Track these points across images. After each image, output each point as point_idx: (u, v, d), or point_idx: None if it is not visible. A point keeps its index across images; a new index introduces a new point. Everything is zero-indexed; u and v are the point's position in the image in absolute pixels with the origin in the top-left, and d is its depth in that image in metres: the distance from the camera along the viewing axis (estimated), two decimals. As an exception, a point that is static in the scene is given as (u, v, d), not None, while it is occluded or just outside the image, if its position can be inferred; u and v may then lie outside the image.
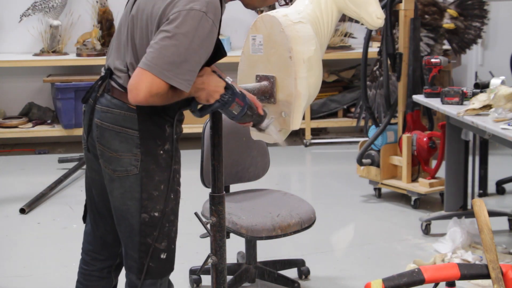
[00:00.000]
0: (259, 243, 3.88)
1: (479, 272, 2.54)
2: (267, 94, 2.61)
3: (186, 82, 2.37)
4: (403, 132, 5.23)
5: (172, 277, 4.09)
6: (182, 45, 2.35)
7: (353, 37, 7.15)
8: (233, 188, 3.91)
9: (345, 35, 7.12)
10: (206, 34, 2.37)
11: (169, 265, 2.64)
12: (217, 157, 2.59)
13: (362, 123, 5.72)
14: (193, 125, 6.87)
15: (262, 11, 6.70)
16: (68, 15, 6.96)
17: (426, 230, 4.60)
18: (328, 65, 7.06)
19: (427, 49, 5.39)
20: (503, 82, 4.17)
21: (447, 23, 5.47)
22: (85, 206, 2.81)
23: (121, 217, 2.59)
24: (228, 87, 2.48)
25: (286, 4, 2.68)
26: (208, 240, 2.63)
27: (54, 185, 5.59)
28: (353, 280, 3.98)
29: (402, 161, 5.18)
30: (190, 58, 2.36)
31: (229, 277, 3.62)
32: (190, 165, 6.29)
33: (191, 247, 4.45)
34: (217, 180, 2.60)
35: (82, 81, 6.54)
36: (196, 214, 2.61)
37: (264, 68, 2.63)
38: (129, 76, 2.46)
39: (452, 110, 4.22)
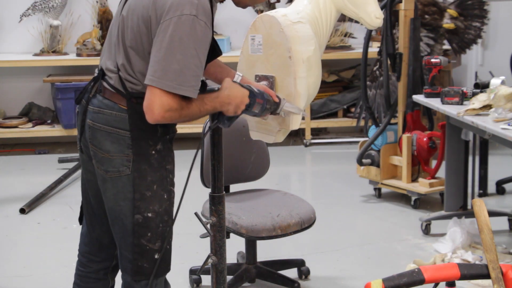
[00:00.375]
0: (259, 243, 3.88)
1: (479, 272, 2.54)
2: (267, 94, 2.61)
3: (192, 88, 2.37)
4: (403, 132, 5.23)
5: (172, 277, 4.09)
6: (179, 52, 2.35)
7: (353, 37, 7.15)
8: (233, 188, 3.91)
9: (345, 35, 7.12)
10: (201, 37, 2.37)
11: (164, 265, 2.63)
12: (217, 157, 2.58)
13: (362, 123, 5.72)
14: (193, 125, 6.88)
15: (261, 11, 6.70)
16: (68, 15, 6.96)
17: (426, 230, 4.60)
18: (328, 65, 7.06)
19: (427, 49, 5.39)
20: (503, 82, 4.17)
21: (447, 23, 5.47)
22: (81, 207, 2.81)
23: (114, 218, 2.59)
24: (250, 93, 2.50)
25: (278, 1, 2.72)
26: (208, 240, 2.63)
27: (54, 185, 5.59)
28: (353, 280, 3.98)
29: (402, 161, 5.18)
30: (190, 64, 2.36)
31: (229, 277, 3.62)
32: (190, 165, 6.32)
33: (191, 247, 4.45)
34: (217, 180, 2.60)
35: (82, 81, 6.55)
36: (196, 214, 2.61)
37: (263, 68, 2.63)
38: (120, 77, 2.49)
39: (452, 110, 4.22)
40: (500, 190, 5.41)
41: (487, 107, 3.97)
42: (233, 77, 2.62)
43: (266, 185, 4.17)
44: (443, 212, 4.66)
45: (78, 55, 6.86)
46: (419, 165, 5.21)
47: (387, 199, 5.34)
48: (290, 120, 2.61)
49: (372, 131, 5.38)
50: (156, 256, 2.58)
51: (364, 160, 5.32)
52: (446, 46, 5.77)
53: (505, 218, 4.69)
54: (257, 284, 3.90)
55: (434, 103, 4.50)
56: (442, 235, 4.38)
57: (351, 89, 7.24)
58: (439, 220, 4.60)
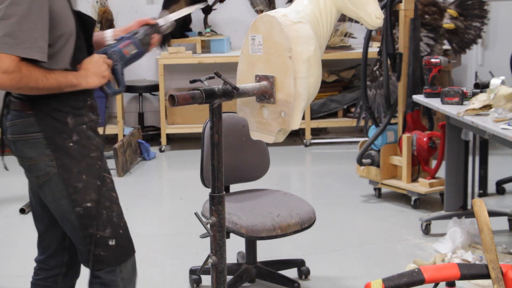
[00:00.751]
0: (259, 243, 3.88)
1: (479, 272, 2.54)
2: (267, 94, 2.61)
3: (31, 50, 2.41)
4: (403, 132, 5.24)
5: (172, 277, 4.11)
6: (9, 16, 2.39)
7: (353, 37, 7.16)
8: (233, 188, 3.91)
9: (345, 35, 7.12)
10: (30, 1, 2.42)
11: (123, 250, 2.68)
12: (217, 157, 2.58)
13: (362, 123, 5.72)
14: (193, 125, 6.89)
15: (261, 11, 6.70)
16: (68, 15, 6.96)
17: (426, 230, 4.60)
18: (328, 65, 7.06)
19: (427, 49, 5.39)
20: (503, 82, 4.17)
21: (447, 23, 5.48)
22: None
23: (61, 218, 2.64)
24: (110, 54, 2.65)
25: None
26: (208, 240, 2.63)
27: (54, 185, 5.58)
28: (353, 280, 3.98)
29: (402, 161, 5.18)
30: (22, 27, 2.40)
31: (229, 277, 3.62)
32: (190, 165, 6.33)
33: (191, 247, 4.45)
34: (217, 180, 2.59)
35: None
36: (196, 214, 2.60)
37: (263, 68, 2.63)
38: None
39: (452, 110, 4.22)
40: (500, 190, 5.41)
41: (487, 107, 3.97)
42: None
43: (266, 185, 4.17)
44: (443, 212, 4.66)
45: (78, 55, 6.86)
46: (419, 165, 5.21)
47: (387, 199, 5.35)
48: (290, 120, 2.60)
49: (372, 131, 5.38)
50: (110, 243, 2.63)
51: (364, 160, 5.32)
52: (446, 46, 5.77)
53: (505, 218, 4.69)
54: (257, 284, 3.90)
55: (434, 103, 4.50)
56: (442, 235, 4.38)
57: (351, 89, 7.25)
58: (439, 220, 4.60)
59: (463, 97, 4.33)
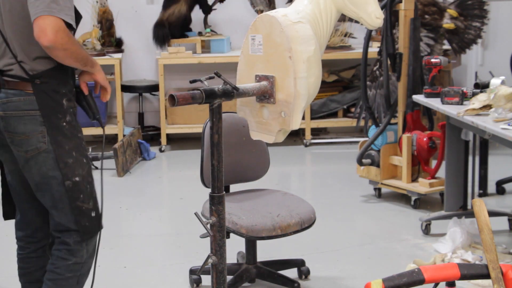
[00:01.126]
0: (259, 243, 3.88)
1: (479, 272, 2.54)
2: (267, 94, 2.61)
3: (70, 17, 2.70)
4: (403, 132, 5.23)
5: (172, 277, 4.11)
6: None
7: (353, 37, 7.15)
8: (233, 188, 3.91)
9: (345, 35, 7.12)
10: None
11: (97, 222, 2.95)
12: (217, 157, 2.58)
13: (362, 123, 5.72)
14: (193, 125, 6.89)
15: (261, 11, 6.70)
16: (68, 15, 6.96)
17: (426, 230, 4.60)
18: (328, 65, 7.06)
19: (427, 49, 5.39)
20: (503, 82, 4.17)
21: (447, 23, 5.47)
22: (3, 203, 3.16)
23: (44, 189, 2.87)
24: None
25: None
26: (208, 240, 2.63)
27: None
28: (353, 280, 3.98)
29: (402, 161, 5.18)
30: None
31: (229, 277, 3.62)
32: (190, 165, 6.33)
33: (191, 247, 4.45)
34: (217, 180, 2.60)
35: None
36: (196, 214, 2.61)
37: (263, 68, 2.63)
38: (20, 65, 2.77)
39: (452, 110, 4.22)
40: (500, 190, 5.41)
41: (487, 107, 3.97)
42: None
43: (266, 185, 4.17)
44: (443, 212, 4.66)
45: (78, 55, 6.85)
46: (419, 165, 5.21)
47: (387, 199, 5.34)
48: (290, 120, 2.61)
49: (372, 131, 5.38)
50: (92, 214, 2.92)
51: (364, 160, 5.32)
52: (446, 46, 5.76)
53: (505, 218, 4.69)
54: (257, 284, 3.90)
55: (434, 103, 4.50)
56: (442, 235, 4.38)
57: (351, 89, 7.24)
58: (439, 220, 4.60)
59: (463, 97, 4.33)
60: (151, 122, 7.49)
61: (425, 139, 5.09)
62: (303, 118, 6.25)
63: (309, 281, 3.97)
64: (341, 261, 4.25)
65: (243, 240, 3.79)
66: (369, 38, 5.38)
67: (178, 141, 7.25)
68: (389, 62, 5.24)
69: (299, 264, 4.02)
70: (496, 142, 4.05)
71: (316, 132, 7.26)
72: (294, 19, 2.57)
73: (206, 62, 6.89)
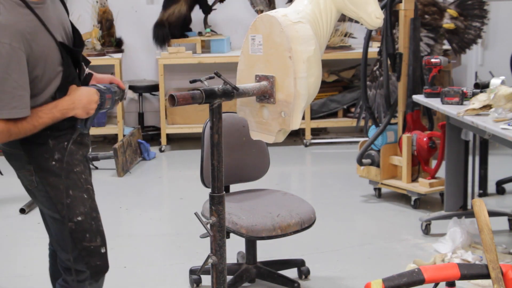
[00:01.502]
0: (259, 243, 3.88)
1: (479, 272, 2.54)
2: (267, 94, 2.61)
3: (14, 110, 2.45)
4: (403, 132, 5.24)
5: (172, 277, 4.11)
6: None
7: (353, 37, 7.15)
8: (233, 188, 3.91)
9: (345, 35, 7.12)
10: (7, 59, 2.43)
11: (107, 257, 2.80)
12: (217, 157, 2.58)
13: (362, 123, 5.72)
14: (193, 125, 6.89)
15: (261, 11, 6.70)
16: (68, 15, 6.96)
17: (426, 230, 4.60)
18: (328, 65, 7.06)
19: (427, 49, 5.39)
20: (503, 82, 4.17)
21: (447, 23, 5.47)
22: None
23: (50, 223, 2.76)
24: (100, 92, 2.67)
25: None
26: (208, 240, 2.63)
27: (54, 185, 5.58)
28: (353, 280, 3.98)
29: (402, 161, 5.18)
30: (5, 87, 2.43)
31: (229, 277, 3.62)
32: (190, 165, 6.33)
33: (191, 247, 4.45)
34: (217, 180, 2.60)
35: (82, 81, 6.55)
36: (196, 214, 2.61)
37: (263, 68, 2.63)
38: None
39: (452, 110, 4.22)
40: (500, 190, 5.41)
41: (487, 107, 3.97)
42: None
43: (266, 185, 4.17)
44: (443, 212, 4.66)
45: (78, 55, 6.85)
46: (419, 165, 5.21)
47: (387, 199, 5.35)
48: (290, 120, 2.61)
49: (372, 131, 5.38)
50: (102, 251, 2.77)
51: (364, 160, 5.32)
52: (446, 46, 5.76)
53: (505, 218, 4.69)
54: (257, 284, 3.90)
55: (434, 103, 4.50)
56: (442, 235, 4.38)
57: (351, 89, 7.24)
58: (439, 220, 4.60)
59: (463, 97, 4.33)
60: (151, 122, 7.49)
61: (425, 139, 5.09)
62: (303, 118, 6.25)
63: (309, 281, 3.97)
64: (341, 261, 4.25)
65: (243, 240, 3.79)
66: (369, 38, 5.38)
67: (178, 141, 7.25)
68: (389, 62, 5.24)
69: (299, 264, 4.02)
70: (496, 142, 4.05)
71: (316, 132, 7.26)
72: (294, 19, 2.57)
73: (206, 62, 6.89)
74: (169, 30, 6.89)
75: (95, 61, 6.77)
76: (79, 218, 2.68)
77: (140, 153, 6.64)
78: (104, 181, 5.87)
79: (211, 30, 7.12)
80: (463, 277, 2.52)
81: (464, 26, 5.54)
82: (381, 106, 5.40)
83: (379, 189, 5.39)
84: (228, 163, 3.73)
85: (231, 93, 2.53)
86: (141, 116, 7.32)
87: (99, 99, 2.67)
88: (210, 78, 2.58)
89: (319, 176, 6.27)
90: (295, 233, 3.56)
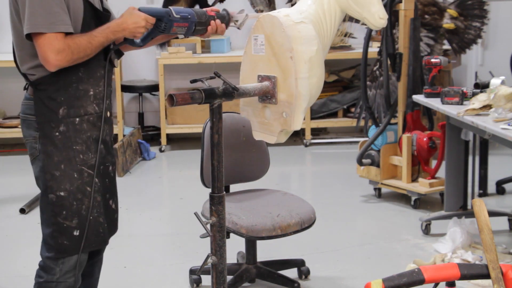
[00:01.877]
0: (259, 243, 3.88)
1: (479, 272, 2.54)
2: (269, 95, 2.61)
3: (62, 23, 2.60)
4: (403, 132, 5.24)
5: (172, 277, 4.11)
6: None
7: (353, 37, 7.16)
8: (233, 188, 3.91)
9: (345, 35, 7.12)
10: None
11: (80, 242, 2.76)
12: (217, 157, 2.58)
13: (362, 123, 5.72)
14: (193, 125, 6.89)
15: (261, 11, 6.70)
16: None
17: (426, 230, 4.60)
18: (328, 65, 7.05)
19: (427, 49, 5.39)
20: (503, 82, 4.17)
21: (447, 23, 5.48)
22: None
23: (40, 200, 2.81)
24: (160, 18, 2.66)
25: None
26: (208, 240, 2.63)
27: (54, 185, 5.58)
28: (353, 280, 3.98)
29: (402, 161, 5.18)
30: (51, 4, 2.58)
31: (229, 277, 3.62)
32: (190, 165, 6.32)
33: (191, 247, 4.45)
34: (217, 180, 2.60)
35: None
36: (196, 214, 2.61)
37: (265, 68, 2.63)
38: (22, 71, 2.73)
39: (452, 110, 4.22)
40: (500, 190, 5.41)
41: (487, 107, 3.98)
42: None
43: (266, 185, 4.17)
44: (443, 212, 4.66)
45: (78, 55, 6.85)
46: (419, 165, 5.21)
47: (387, 199, 5.35)
48: (292, 120, 2.61)
49: (372, 131, 5.38)
50: (75, 233, 2.75)
51: (364, 160, 5.33)
52: (446, 46, 5.76)
53: (505, 218, 4.69)
54: (257, 284, 3.90)
55: (434, 103, 4.50)
56: (442, 235, 4.38)
57: (351, 89, 7.25)
58: (439, 220, 4.60)
59: (463, 97, 4.34)
60: (151, 122, 7.49)
61: (425, 139, 5.09)
62: (304, 118, 6.25)
63: (309, 281, 3.97)
64: (341, 261, 4.25)
65: (243, 240, 3.79)
66: (369, 38, 5.39)
67: (178, 141, 7.25)
68: (389, 62, 5.24)
69: (299, 264, 4.02)
70: (496, 142, 4.05)
71: (316, 132, 7.27)
72: (296, 19, 2.57)
73: (206, 62, 6.89)
74: (169, 30, 6.89)
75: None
76: (61, 193, 2.71)
77: (140, 153, 6.64)
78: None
79: (214, 33, 7.11)
80: (463, 277, 2.52)
81: (464, 26, 5.55)
82: (381, 106, 5.40)
83: (379, 189, 5.39)
84: (228, 163, 3.74)
85: (231, 93, 2.53)
86: (141, 116, 7.32)
87: (160, 23, 2.66)
88: (211, 78, 2.58)
89: (319, 176, 6.27)
90: (295, 233, 3.56)
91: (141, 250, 4.50)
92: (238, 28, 2.88)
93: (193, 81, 2.59)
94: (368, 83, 5.46)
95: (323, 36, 2.64)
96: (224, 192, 2.62)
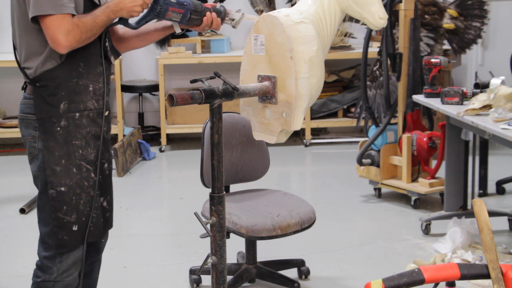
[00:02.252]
0: (259, 243, 3.88)
1: (479, 272, 2.54)
2: (269, 95, 2.61)
3: (68, 3, 2.61)
4: (403, 132, 5.24)
5: (172, 277, 4.11)
6: None
7: (353, 37, 7.16)
8: (233, 188, 3.91)
9: (345, 35, 7.12)
10: None
11: (80, 237, 2.79)
12: (217, 157, 2.58)
13: (362, 123, 5.72)
14: (193, 125, 6.89)
15: (261, 11, 6.70)
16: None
17: (426, 230, 4.60)
18: (328, 65, 7.06)
19: (427, 49, 5.39)
20: (503, 82, 4.17)
21: (447, 23, 5.48)
22: None
23: (38, 198, 2.82)
24: (157, 0, 2.68)
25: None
26: (208, 240, 2.63)
27: (54, 185, 5.58)
28: (353, 280, 3.98)
29: (402, 161, 5.18)
30: None
31: (229, 277, 3.62)
32: (190, 165, 6.33)
33: (191, 247, 4.45)
34: (217, 180, 2.60)
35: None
36: (195, 214, 2.61)
37: (265, 68, 2.63)
38: (22, 69, 2.72)
39: (452, 110, 4.22)
40: (500, 190, 5.41)
41: (487, 107, 3.98)
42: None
43: (266, 185, 4.17)
44: (443, 212, 4.66)
45: (78, 55, 6.85)
46: (419, 165, 5.21)
47: (387, 199, 5.35)
48: (292, 120, 2.61)
49: (372, 131, 5.38)
50: (74, 228, 2.77)
51: (364, 160, 5.33)
52: (446, 46, 5.76)
53: (505, 218, 4.69)
54: (257, 284, 3.90)
55: (434, 103, 4.50)
56: (442, 235, 4.38)
57: (351, 89, 7.25)
58: (439, 220, 4.61)
59: (463, 97, 4.34)
60: (151, 122, 7.49)
61: (425, 139, 5.09)
62: (304, 118, 6.26)
63: (309, 281, 3.97)
64: (341, 261, 4.25)
65: (243, 240, 3.79)
66: (369, 38, 5.39)
67: (178, 141, 7.25)
68: (389, 62, 5.24)
69: (299, 264, 4.02)
70: (496, 142, 4.05)
71: (316, 132, 7.26)
72: (297, 19, 2.56)
73: (206, 62, 6.89)
74: (169, 30, 6.89)
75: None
76: (62, 189, 2.73)
77: (140, 153, 6.64)
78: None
79: (211, 30, 7.12)
80: (463, 277, 2.52)
81: (464, 26, 5.55)
82: (381, 106, 5.40)
83: (379, 189, 5.39)
84: (228, 163, 3.74)
85: (231, 93, 2.53)
86: (141, 116, 7.32)
87: (156, 5, 2.68)
88: (211, 78, 2.58)
89: (319, 176, 6.27)
90: (295, 233, 3.56)
91: (141, 250, 4.50)
92: (233, 27, 2.91)
93: (193, 81, 2.59)
94: (368, 83, 5.46)
95: (323, 36, 2.64)
96: (224, 192, 2.62)
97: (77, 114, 2.73)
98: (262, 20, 2.62)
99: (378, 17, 2.67)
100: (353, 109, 7.02)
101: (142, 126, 7.15)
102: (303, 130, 7.00)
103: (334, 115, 7.21)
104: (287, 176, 6.36)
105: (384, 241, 4.54)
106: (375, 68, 5.50)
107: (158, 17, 2.73)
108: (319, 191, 5.77)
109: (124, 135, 6.70)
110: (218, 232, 2.60)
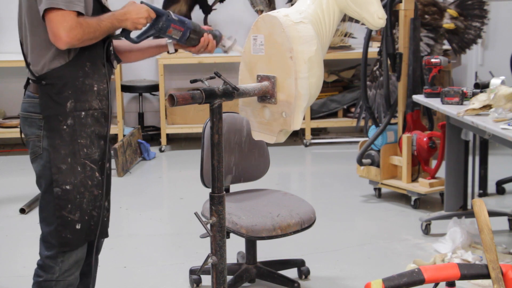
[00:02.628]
0: (259, 243, 3.88)
1: (479, 272, 2.54)
2: (268, 95, 2.61)
3: (79, 2, 2.63)
4: (403, 132, 5.24)
5: (172, 277, 4.11)
6: None
7: (353, 37, 7.15)
8: (233, 188, 3.91)
9: (345, 35, 7.12)
10: None
11: (83, 235, 2.81)
12: (217, 157, 2.58)
13: (362, 123, 5.72)
14: (193, 125, 6.89)
15: (261, 11, 6.70)
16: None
17: (426, 230, 4.60)
18: (328, 65, 7.06)
19: (427, 49, 5.39)
20: (503, 82, 4.17)
21: (447, 23, 5.48)
22: None
23: (41, 198, 2.82)
24: (160, 15, 2.75)
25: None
26: (208, 240, 2.63)
27: (54, 185, 5.58)
28: (353, 280, 3.98)
29: (402, 161, 5.18)
30: None
31: (229, 277, 3.62)
32: (190, 165, 6.33)
33: (191, 247, 4.45)
34: (217, 180, 2.60)
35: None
36: (196, 214, 2.61)
37: (265, 68, 2.63)
38: (29, 68, 2.73)
39: (452, 110, 4.22)
40: (500, 190, 5.41)
41: (487, 107, 3.98)
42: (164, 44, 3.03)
43: (266, 185, 4.17)
44: (443, 212, 4.66)
45: (78, 55, 6.85)
46: (419, 165, 5.21)
47: (387, 199, 5.35)
48: (291, 120, 2.61)
49: (372, 131, 5.38)
50: (77, 227, 2.78)
51: (364, 160, 5.33)
52: (446, 46, 5.76)
53: (505, 218, 4.69)
54: (257, 284, 3.90)
55: (434, 103, 4.50)
56: (442, 235, 4.38)
57: (351, 89, 7.25)
58: (439, 220, 4.60)
59: (463, 97, 4.34)
60: (151, 122, 7.49)
61: (425, 139, 5.09)
62: (304, 118, 6.26)
63: (309, 281, 3.97)
64: (341, 261, 4.25)
65: (243, 240, 3.79)
66: (369, 38, 5.39)
67: (178, 141, 7.25)
68: (389, 62, 5.24)
69: (299, 264, 4.02)
70: (496, 142, 4.06)
71: (316, 132, 7.27)
72: (296, 19, 2.57)
73: (206, 62, 6.89)
74: (169, 30, 6.89)
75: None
76: (67, 187, 2.74)
77: (140, 153, 6.64)
78: (104, 181, 5.86)
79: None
80: (463, 277, 2.52)
81: (464, 26, 5.55)
82: (381, 106, 5.40)
83: (379, 189, 5.39)
84: (228, 163, 3.74)
85: (231, 93, 2.53)
86: (141, 116, 7.32)
87: (158, 21, 2.75)
88: (211, 78, 2.58)
89: (319, 176, 6.27)
90: (295, 233, 3.56)
91: (141, 250, 4.50)
92: (225, 52, 3.07)
93: (193, 81, 2.59)
94: (368, 83, 5.46)
95: (322, 36, 2.64)
96: (224, 192, 2.62)
97: (83, 113, 2.75)
98: (262, 20, 2.62)
99: (376, 17, 2.67)
100: (353, 109, 7.02)
101: (142, 126, 7.15)
102: (303, 130, 7.00)
103: (334, 115, 7.21)
104: (287, 176, 6.36)
105: (384, 241, 4.54)
106: (375, 68, 5.50)
107: (159, 33, 2.79)
108: (319, 191, 5.77)
109: (124, 135, 6.70)
110: (218, 232, 2.60)
